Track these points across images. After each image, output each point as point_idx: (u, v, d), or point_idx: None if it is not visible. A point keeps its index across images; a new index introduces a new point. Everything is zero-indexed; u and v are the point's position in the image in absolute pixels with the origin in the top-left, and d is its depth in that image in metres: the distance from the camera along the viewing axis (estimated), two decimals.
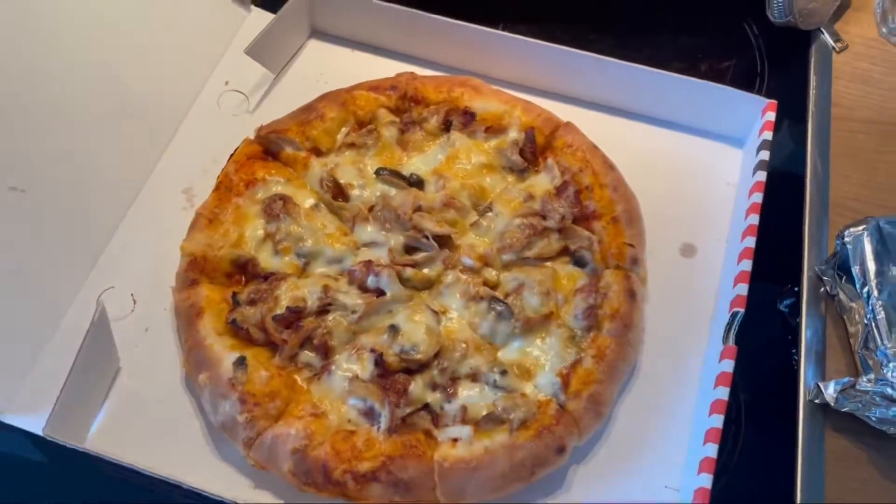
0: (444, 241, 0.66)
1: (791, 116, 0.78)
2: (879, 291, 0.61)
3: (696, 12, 0.86)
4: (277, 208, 0.66)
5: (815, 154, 0.76)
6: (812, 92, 0.79)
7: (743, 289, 0.61)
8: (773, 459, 0.62)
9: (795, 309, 0.69)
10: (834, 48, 0.83)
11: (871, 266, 0.62)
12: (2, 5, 0.62)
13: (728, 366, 0.58)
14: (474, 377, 0.60)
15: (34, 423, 0.59)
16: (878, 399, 0.59)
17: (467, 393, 0.60)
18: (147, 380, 0.63)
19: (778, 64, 0.83)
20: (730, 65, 0.84)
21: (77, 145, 0.68)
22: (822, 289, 0.68)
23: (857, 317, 0.64)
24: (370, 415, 0.58)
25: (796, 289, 0.69)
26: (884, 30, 0.84)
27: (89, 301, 0.66)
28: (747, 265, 0.62)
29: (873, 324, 0.60)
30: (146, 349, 0.64)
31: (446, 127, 0.72)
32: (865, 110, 0.79)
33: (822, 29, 0.83)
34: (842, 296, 0.66)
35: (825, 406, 0.62)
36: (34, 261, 0.64)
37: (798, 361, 0.65)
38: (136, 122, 0.72)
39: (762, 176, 0.66)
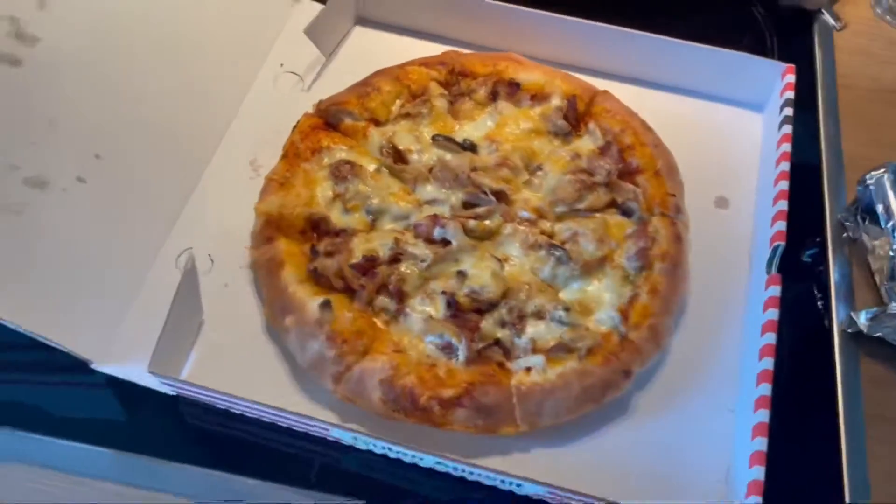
0: (500, 197, 0.71)
1: (800, 88, 0.85)
2: None
3: None
4: (345, 171, 0.71)
5: (826, 118, 0.83)
6: (818, 64, 0.87)
7: (782, 225, 0.66)
8: (813, 389, 0.68)
9: (819, 258, 0.75)
10: (835, 26, 0.91)
11: (894, 203, 0.68)
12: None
13: (775, 291, 0.63)
14: (539, 315, 0.65)
15: (128, 371, 0.63)
16: None
17: (534, 329, 0.64)
18: (229, 331, 0.67)
19: (785, 42, 0.90)
20: (740, 45, 0.91)
21: (151, 118, 0.72)
22: (845, 234, 0.75)
23: (881, 252, 0.70)
24: (448, 349, 0.63)
25: (818, 239, 0.76)
26: (878, 10, 0.93)
27: (169, 262, 0.69)
28: (783, 205, 0.68)
29: None
30: (226, 303, 0.68)
31: (493, 97, 0.77)
32: (867, 80, 0.87)
33: (822, 10, 0.91)
34: (865, 238, 0.72)
35: (857, 335, 0.68)
36: (116, 225, 0.68)
37: (827, 304, 0.71)
38: (200, 101, 0.77)
39: (788, 129, 0.72)
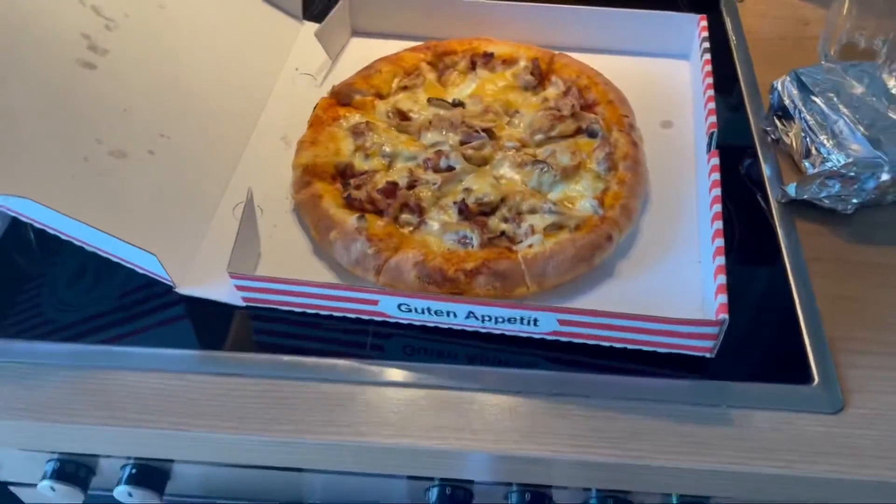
0: (489, 134, 0.88)
1: (715, 45, 1.04)
2: (807, 109, 0.85)
3: None
4: (362, 128, 0.88)
5: (741, 62, 1.02)
6: (728, 24, 1.08)
7: (713, 114, 0.83)
8: (759, 245, 0.83)
9: (753, 166, 0.92)
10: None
11: (797, 97, 0.87)
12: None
13: (715, 161, 0.79)
14: (533, 210, 0.80)
15: (205, 290, 0.77)
16: (823, 179, 0.81)
17: (531, 219, 0.80)
18: (283, 259, 0.81)
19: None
20: None
21: (199, 108, 0.89)
22: (769, 138, 0.92)
23: (796, 141, 0.87)
24: (464, 240, 0.78)
25: (749, 149, 0.93)
26: None
27: (227, 213, 0.84)
28: (713, 119, 0.83)
29: (807, 129, 0.84)
30: (277, 239, 0.83)
31: (472, 66, 0.96)
32: (770, 33, 1.07)
33: None
34: (783, 137, 0.90)
35: (791, 203, 0.85)
36: (181, 187, 0.83)
37: (764, 191, 0.88)
38: (237, 94, 0.94)
39: (708, 56, 0.91)
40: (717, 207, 0.77)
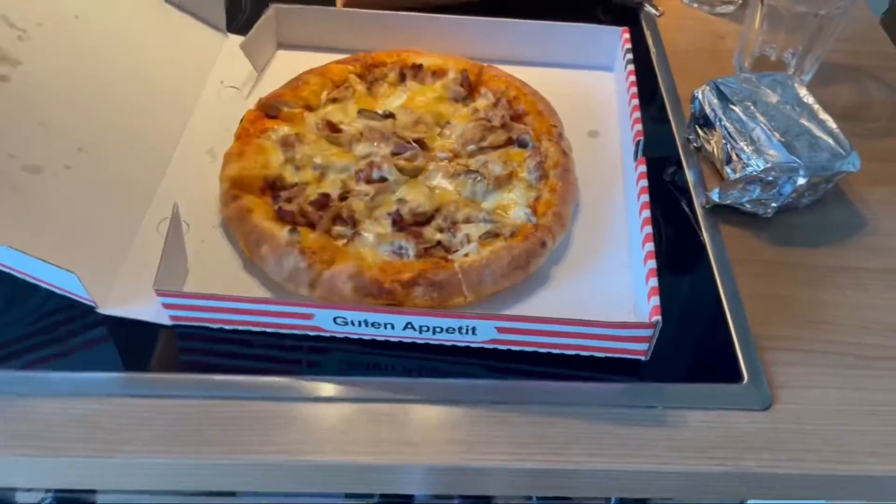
0: (421, 145, 0.88)
1: (638, 60, 1.08)
2: (726, 117, 0.88)
3: (559, 6, 1.17)
4: (292, 139, 0.86)
5: (662, 74, 1.06)
6: (648, 37, 1.11)
7: (639, 133, 0.85)
8: (687, 252, 0.85)
9: (677, 174, 0.95)
10: (656, 14, 1.16)
11: (717, 105, 0.90)
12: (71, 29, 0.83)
13: (643, 168, 0.81)
14: (468, 220, 0.81)
15: (129, 311, 0.73)
16: (744, 184, 0.84)
17: (466, 228, 0.80)
18: (211, 276, 0.78)
19: None
20: None
21: (121, 121, 0.86)
22: (692, 146, 0.95)
23: (717, 147, 0.90)
24: (399, 251, 0.77)
25: (675, 156, 0.96)
26: (685, 0, 1.19)
27: (151, 230, 0.81)
28: (640, 127, 0.86)
29: (727, 136, 0.87)
30: (205, 255, 0.80)
31: (402, 78, 0.96)
32: (687, 46, 1.11)
33: (644, 3, 1.17)
34: (705, 145, 0.93)
35: (714, 208, 0.87)
36: (100, 204, 0.80)
37: (689, 196, 0.91)
38: (160, 106, 0.91)
39: (632, 67, 0.93)
40: (646, 213, 0.78)
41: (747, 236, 0.86)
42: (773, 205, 0.85)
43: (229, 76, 1.00)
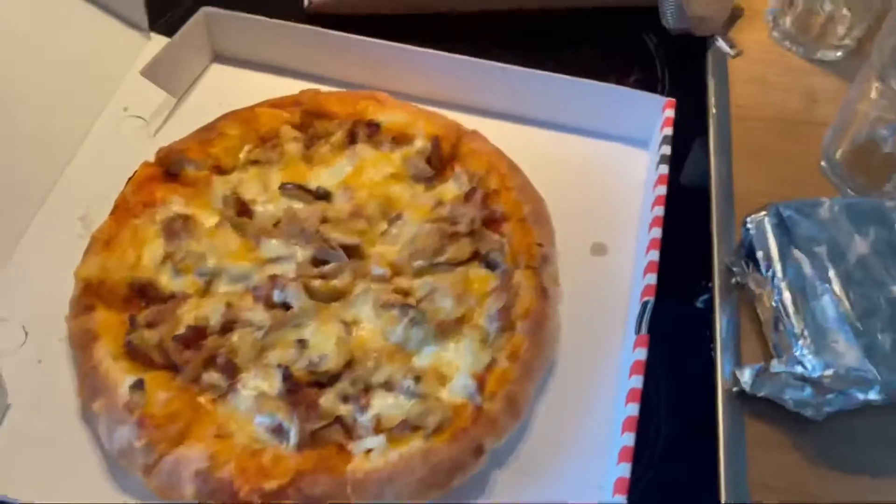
0: (352, 252, 0.64)
1: (693, 119, 0.80)
2: (784, 273, 0.62)
3: (597, 27, 0.89)
4: (178, 227, 0.64)
5: (718, 153, 0.78)
6: (711, 95, 0.82)
7: (652, 278, 0.61)
8: (698, 450, 0.62)
9: (711, 304, 0.69)
10: (729, 53, 0.86)
11: (774, 249, 0.63)
12: None
13: (641, 354, 0.57)
14: (388, 386, 0.58)
15: None
16: (791, 380, 0.59)
17: (381, 402, 0.57)
18: (40, 414, 0.59)
19: (677, 71, 0.86)
20: (632, 75, 0.86)
21: None
22: (734, 279, 0.69)
23: (766, 302, 0.64)
24: (279, 432, 0.56)
25: (710, 284, 0.70)
26: (776, 34, 0.88)
27: None
28: (655, 255, 0.62)
29: (780, 306, 0.61)
30: (39, 382, 0.61)
31: (352, 140, 0.71)
32: (763, 109, 0.82)
33: (716, 36, 0.86)
34: (751, 284, 0.67)
35: (743, 393, 0.62)
36: None
37: (715, 353, 0.66)
38: (28, 150, 0.70)
39: (664, 169, 0.67)
40: (633, 410, 0.55)
41: (783, 445, 0.61)
42: (827, 409, 0.60)
43: (140, 98, 0.76)
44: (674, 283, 0.64)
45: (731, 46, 0.86)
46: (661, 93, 0.83)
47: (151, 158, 0.70)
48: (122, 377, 0.57)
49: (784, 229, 0.64)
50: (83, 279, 0.62)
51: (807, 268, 0.61)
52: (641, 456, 0.58)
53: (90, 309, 0.61)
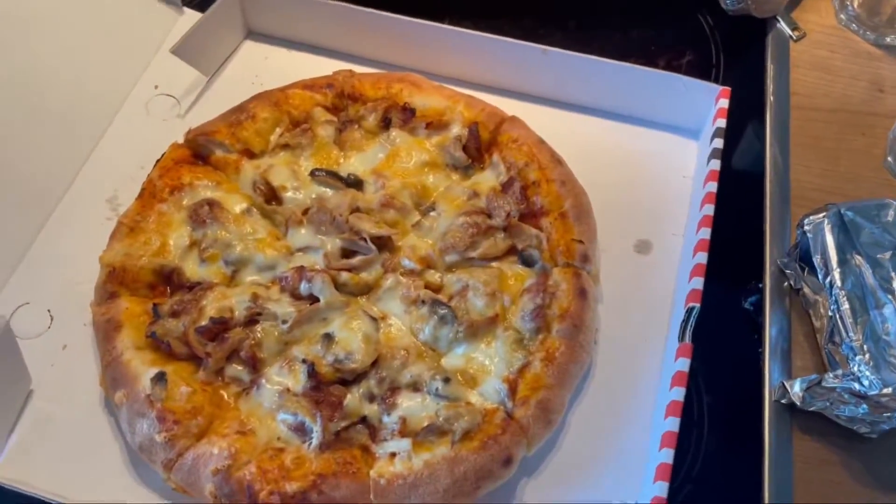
0: (383, 244, 0.62)
1: (749, 107, 0.75)
2: (843, 281, 0.57)
3: (648, 4, 0.84)
4: (204, 213, 0.62)
5: (775, 144, 0.73)
6: (769, 81, 0.76)
7: (698, 283, 0.57)
8: (740, 465, 0.58)
9: (760, 306, 0.65)
10: (791, 36, 0.80)
11: (833, 255, 0.59)
12: None
13: (683, 364, 0.54)
14: (415, 386, 0.56)
15: None
16: (845, 396, 0.55)
17: (407, 403, 0.55)
18: (63, 401, 0.58)
19: (734, 55, 0.80)
20: (684, 58, 0.81)
21: None
22: (786, 283, 0.65)
23: (821, 310, 0.60)
24: (301, 430, 0.54)
25: (760, 285, 0.66)
26: (843, 17, 0.82)
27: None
28: (703, 258, 0.58)
29: (837, 316, 0.57)
30: (63, 368, 0.60)
31: (386, 125, 0.68)
32: (825, 98, 0.77)
33: (777, 17, 0.81)
34: (806, 289, 0.63)
35: (792, 406, 0.59)
36: None
37: (764, 361, 0.62)
38: (56, 129, 0.68)
39: (716, 165, 0.63)
40: (672, 424, 0.52)
41: (833, 463, 0.57)
42: (884, 427, 0.56)
43: (171, 76, 0.74)
44: (720, 279, 0.60)
45: (794, 29, 0.80)
46: (716, 78, 0.78)
47: (181, 139, 0.68)
48: (144, 369, 0.55)
49: (845, 233, 0.59)
50: (108, 265, 0.60)
51: (868, 276, 0.57)
52: (679, 469, 0.55)
53: (114, 296, 0.60)
